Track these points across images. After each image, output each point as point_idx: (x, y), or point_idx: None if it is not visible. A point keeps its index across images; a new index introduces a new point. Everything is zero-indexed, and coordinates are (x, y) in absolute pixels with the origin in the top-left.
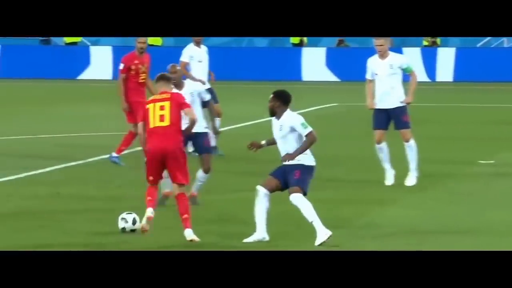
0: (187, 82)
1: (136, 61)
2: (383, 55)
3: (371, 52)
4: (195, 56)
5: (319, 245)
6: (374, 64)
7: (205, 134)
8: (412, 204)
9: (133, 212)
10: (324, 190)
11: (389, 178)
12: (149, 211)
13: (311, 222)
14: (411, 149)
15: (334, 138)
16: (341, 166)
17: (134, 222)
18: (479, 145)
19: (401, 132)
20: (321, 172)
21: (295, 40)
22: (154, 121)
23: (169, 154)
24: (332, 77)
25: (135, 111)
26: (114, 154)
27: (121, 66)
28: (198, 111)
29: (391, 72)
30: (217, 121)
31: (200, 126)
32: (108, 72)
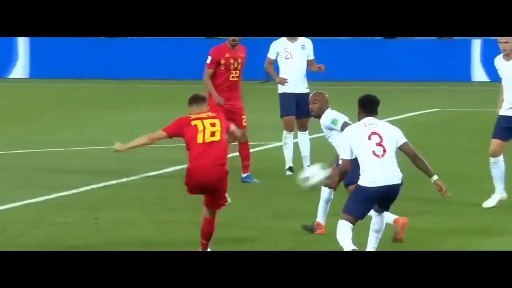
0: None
1: (227, 55)
2: (508, 55)
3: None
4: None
5: None
6: (500, 64)
7: None
8: None
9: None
10: (421, 215)
11: (492, 199)
12: None
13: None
14: None
15: (435, 151)
16: (448, 185)
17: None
18: None
19: None
20: (418, 193)
21: None
22: None
23: None
24: (429, 76)
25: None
26: (243, 175)
27: (209, 59)
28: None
29: None
30: None
31: None
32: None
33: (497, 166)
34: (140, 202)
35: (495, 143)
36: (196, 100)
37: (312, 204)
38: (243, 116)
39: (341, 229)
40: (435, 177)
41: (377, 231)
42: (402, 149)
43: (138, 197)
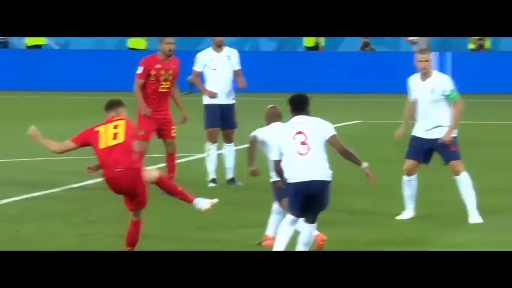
0: None
1: (158, 66)
2: (426, 74)
3: (400, 57)
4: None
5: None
6: (415, 85)
7: None
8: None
9: None
10: (344, 226)
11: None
12: None
13: None
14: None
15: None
16: (369, 197)
17: None
18: None
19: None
20: (347, 204)
21: (309, 42)
22: None
23: None
24: (354, 88)
25: (140, 124)
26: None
27: (140, 69)
28: None
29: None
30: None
31: None
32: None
33: (411, 185)
34: (62, 214)
35: (409, 163)
36: (110, 105)
37: (237, 214)
38: (173, 127)
39: (282, 228)
40: (365, 164)
41: (305, 244)
42: (330, 143)
43: (60, 209)
